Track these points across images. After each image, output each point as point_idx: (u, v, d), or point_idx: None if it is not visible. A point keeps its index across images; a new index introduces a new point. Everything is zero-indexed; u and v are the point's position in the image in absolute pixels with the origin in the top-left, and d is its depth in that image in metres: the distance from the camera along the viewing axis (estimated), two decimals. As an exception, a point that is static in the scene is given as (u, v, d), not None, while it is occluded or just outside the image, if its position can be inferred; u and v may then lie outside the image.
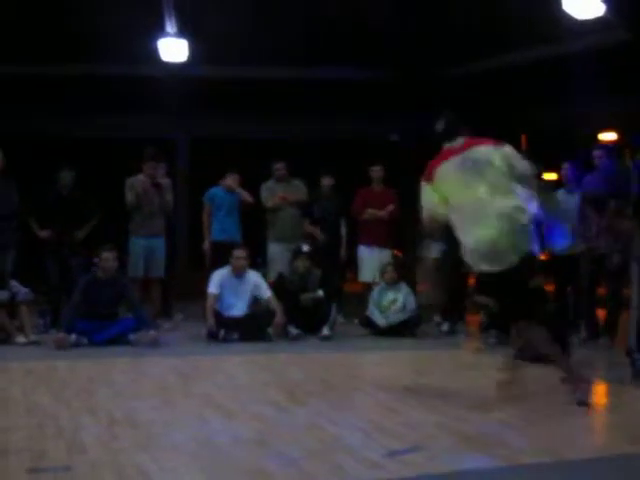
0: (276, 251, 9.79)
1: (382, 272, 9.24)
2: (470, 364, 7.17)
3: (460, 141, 5.40)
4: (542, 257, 9.50)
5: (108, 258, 8.05)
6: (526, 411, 4.85)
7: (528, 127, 13.71)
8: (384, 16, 11.97)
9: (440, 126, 5.47)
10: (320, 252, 9.48)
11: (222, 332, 8.31)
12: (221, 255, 8.97)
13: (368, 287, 9.61)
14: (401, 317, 8.92)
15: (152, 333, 7.93)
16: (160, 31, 11.63)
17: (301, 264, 8.97)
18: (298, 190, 9.96)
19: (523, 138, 13.96)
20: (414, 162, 12.06)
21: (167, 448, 3.93)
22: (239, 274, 8.58)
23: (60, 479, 3.43)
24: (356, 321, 9.37)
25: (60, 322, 8.11)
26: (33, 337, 7.96)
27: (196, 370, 6.70)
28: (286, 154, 10.36)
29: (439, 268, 9.75)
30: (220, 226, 9.62)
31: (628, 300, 7.37)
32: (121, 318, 8.24)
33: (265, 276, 9.21)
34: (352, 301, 10.17)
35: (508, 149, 5.33)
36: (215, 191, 9.74)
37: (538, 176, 5.72)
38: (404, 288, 9.12)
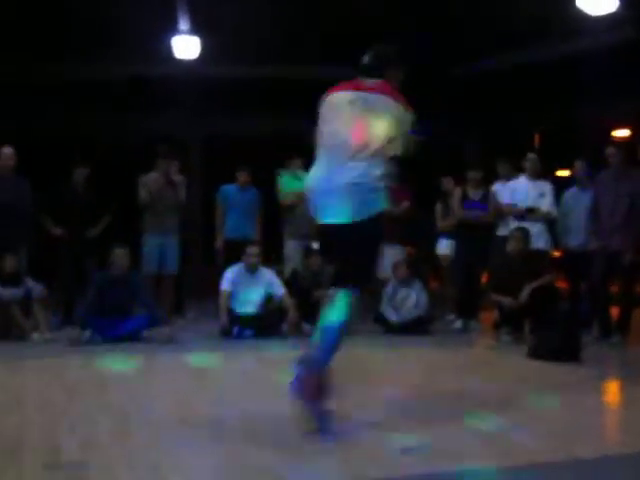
0: (292, 248, 9.80)
1: (394, 269, 9.23)
2: (483, 361, 7.17)
3: (376, 82, 4.48)
4: (555, 254, 9.52)
5: (121, 255, 8.08)
6: (539, 409, 4.84)
7: (541, 125, 13.68)
8: (393, 14, 11.94)
9: (365, 59, 4.58)
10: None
11: (235, 329, 8.33)
12: (234, 253, 8.99)
13: (381, 284, 9.60)
14: (414, 314, 8.92)
15: (166, 330, 7.97)
16: (173, 29, 11.65)
17: (314, 261, 8.98)
18: None
19: (536, 137, 13.94)
20: (429, 159, 12.08)
21: (180, 445, 3.94)
22: (252, 271, 8.60)
23: (74, 475, 3.45)
24: (368, 317, 9.36)
25: (74, 319, 8.15)
26: (47, 334, 8.01)
27: (209, 367, 6.72)
28: (300, 152, 10.35)
29: (451, 264, 9.78)
30: (233, 224, 9.64)
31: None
32: (134, 315, 8.27)
33: (281, 273, 9.23)
34: (364, 298, 10.16)
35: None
36: (228, 188, 9.76)
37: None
38: (417, 285, 9.12)
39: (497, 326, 8.63)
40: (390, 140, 4.31)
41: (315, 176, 4.49)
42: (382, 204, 4.29)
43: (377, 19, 11.80)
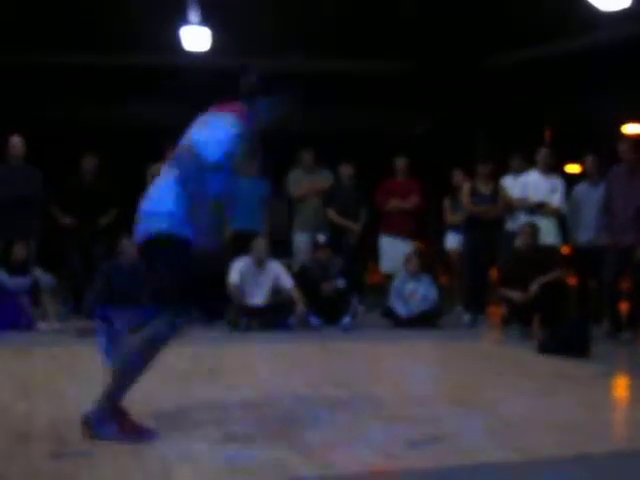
0: (301, 240, 9.79)
1: (406, 261, 9.19)
2: (491, 356, 7.14)
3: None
4: (564, 250, 9.49)
5: (128, 245, 8.08)
6: (547, 404, 4.82)
7: (552, 120, 13.64)
8: (409, 6, 11.91)
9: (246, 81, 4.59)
10: (343, 242, 9.52)
11: (243, 321, 8.33)
12: (242, 245, 8.98)
13: (389, 278, 9.59)
14: (422, 308, 8.90)
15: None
16: (183, 20, 11.64)
17: (322, 254, 8.97)
18: (325, 180, 9.94)
19: (547, 131, 13.89)
20: (439, 154, 12.08)
21: (188, 436, 3.93)
22: (260, 264, 8.58)
23: (82, 465, 3.44)
24: (377, 311, 9.37)
25: (82, 309, 8.16)
26: (55, 324, 8.02)
27: (217, 359, 6.71)
28: (310, 144, 10.34)
29: (460, 259, 9.76)
30: (241, 215, 9.61)
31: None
32: (143, 305, 8.26)
33: (290, 265, 9.22)
34: (373, 292, 10.16)
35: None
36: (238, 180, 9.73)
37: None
38: (426, 279, 9.10)
39: (506, 321, 8.62)
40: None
41: None
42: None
43: (386, 12, 11.81)
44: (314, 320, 8.56)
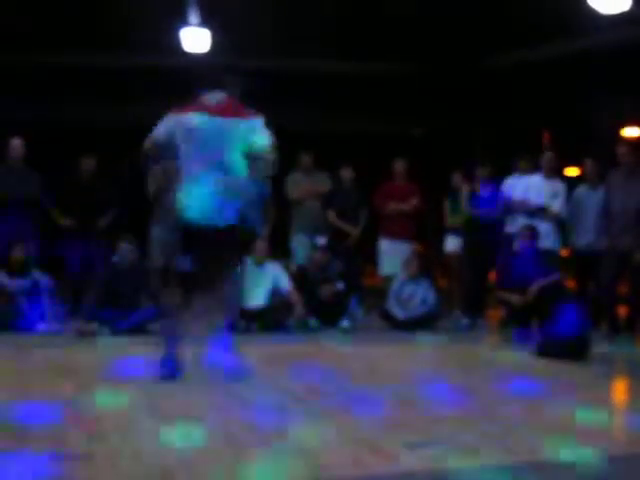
0: (299, 242, 9.80)
1: (406, 265, 9.19)
2: (489, 359, 7.15)
3: (219, 98, 5.44)
4: (563, 253, 9.50)
5: (125, 249, 8.08)
6: (545, 407, 4.82)
7: (551, 122, 13.65)
8: (409, 7, 11.92)
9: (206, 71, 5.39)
10: (343, 245, 9.52)
11: (241, 323, 8.33)
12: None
13: (388, 281, 9.59)
14: (420, 311, 8.91)
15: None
16: (183, 21, 11.64)
17: (320, 256, 8.98)
18: (323, 182, 9.95)
19: (546, 133, 13.90)
20: (438, 156, 12.08)
21: (186, 437, 3.93)
22: (259, 265, 8.59)
23: (80, 467, 3.44)
24: (375, 314, 9.37)
25: (81, 311, 8.16)
26: (55, 325, 8.02)
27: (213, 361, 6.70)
28: (309, 146, 10.35)
29: (459, 261, 9.77)
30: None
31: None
32: (142, 307, 8.27)
33: (288, 267, 9.23)
34: (371, 294, 10.16)
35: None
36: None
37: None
38: (424, 282, 9.10)
39: (504, 324, 8.63)
40: None
41: None
42: None
43: (386, 14, 11.82)
44: (312, 322, 8.56)
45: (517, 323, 8.21)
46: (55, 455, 3.57)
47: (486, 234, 9.03)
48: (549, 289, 7.97)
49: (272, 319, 8.44)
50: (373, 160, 11.64)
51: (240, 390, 5.24)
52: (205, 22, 11.61)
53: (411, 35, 12.26)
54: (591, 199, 8.77)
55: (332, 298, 8.79)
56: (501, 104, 13.02)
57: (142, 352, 6.95)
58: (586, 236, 8.79)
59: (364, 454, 3.70)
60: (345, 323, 8.58)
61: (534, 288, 7.98)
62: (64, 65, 12.53)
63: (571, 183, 9.45)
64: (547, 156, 9.22)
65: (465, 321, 9.15)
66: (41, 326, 7.95)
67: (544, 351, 6.80)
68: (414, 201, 9.82)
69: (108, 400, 4.78)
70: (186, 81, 12.29)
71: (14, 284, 8.03)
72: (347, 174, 10.03)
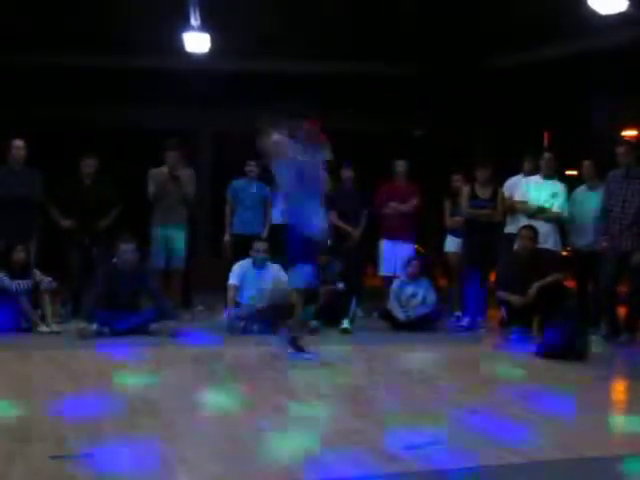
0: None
1: (407, 265, 9.19)
2: (489, 359, 7.16)
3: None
4: (563, 254, 9.50)
5: (126, 250, 8.07)
6: (544, 407, 4.83)
7: (551, 123, 13.65)
8: (409, 7, 11.91)
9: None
10: (343, 246, 9.52)
11: (242, 323, 8.33)
12: (242, 248, 8.98)
13: (388, 281, 9.59)
14: (421, 311, 8.91)
15: (171, 324, 7.99)
16: (183, 22, 11.63)
17: (321, 257, 8.96)
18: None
19: (545, 135, 13.91)
20: (438, 156, 12.07)
21: (187, 438, 3.95)
22: (260, 266, 8.59)
23: (81, 466, 3.45)
24: (375, 314, 9.38)
25: (82, 311, 8.15)
26: (55, 326, 8.02)
27: (216, 361, 6.72)
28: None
29: (459, 262, 9.76)
30: (241, 219, 9.63)
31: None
32: (142, 308, 8.28)
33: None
34: (371, 295, 10.17)
35: None
36: (237, 184, 9.74)
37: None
38: (424, 282, 9.11)
39: (504, 324, 8.64)
40: None
41: None
42: None
43: (387, 15, 11.81)
44: (313, 323, 8.56)
45: (517, 323, 8.22)
46: (55, 455, 3.58)
47: (486, 234, 9.02)
48: (549, 289, 7.98)
49: (273, 320, 8.43)
50: (373, 160, 11.64)
51: (243, 390, 5.25)
52: (205, 24, 11.60)
53: (411, 35, 12.25)
54: (590, 200, 8.78)
55: (332, 299, 8.79)
56: (501, 104, 13.01)
57: (141, 352, 6.98)
58: (586, 237, 8.79)
59: (365, 454, 3.71)
60: (345, 324, 8.58)
61: (534, 288, 7.99)
62: (64, 65, 12.53)
63: (571, 183, 9.46)
64: (546, 157, 9.22)
65: (465, 321, 9.14)
66: (42, 327, 7.95)
67: (544, 351, 6.81)
68: (414, 202, 9.82)
69: (108, 400, 4.79)
70: (186, 82, 12.36)
71: (15, 285, 8.03)
72: (348, 174, 10.04)
